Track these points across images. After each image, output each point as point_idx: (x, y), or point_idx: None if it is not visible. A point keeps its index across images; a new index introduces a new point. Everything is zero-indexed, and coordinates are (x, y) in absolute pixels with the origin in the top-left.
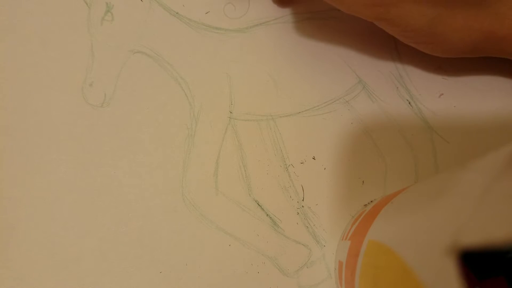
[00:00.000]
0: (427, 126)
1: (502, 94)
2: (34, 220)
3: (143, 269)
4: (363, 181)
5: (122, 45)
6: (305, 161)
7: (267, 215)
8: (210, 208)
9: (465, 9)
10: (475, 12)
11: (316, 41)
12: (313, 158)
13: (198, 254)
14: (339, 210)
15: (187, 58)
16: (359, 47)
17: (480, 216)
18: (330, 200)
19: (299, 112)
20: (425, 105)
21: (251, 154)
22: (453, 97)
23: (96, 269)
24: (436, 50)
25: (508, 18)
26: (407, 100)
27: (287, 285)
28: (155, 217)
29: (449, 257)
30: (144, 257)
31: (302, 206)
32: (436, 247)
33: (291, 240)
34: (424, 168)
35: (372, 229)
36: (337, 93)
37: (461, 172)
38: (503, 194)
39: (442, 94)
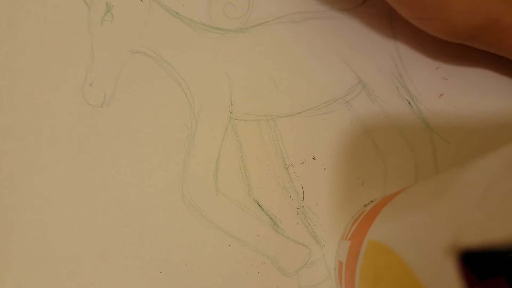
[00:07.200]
0: (427, 126)
1: (502, 94)
2: (34, 220)
3: (143, 269)
4: (363, 181)
5: (122, 45)
6: (305, 161)
7: (267, 215)
8: (210, 208)
9: None
10: None
11: (316, 41)
12: (313, 158)
13: (198, 254)
14: (339, 210)
15: (187, 58)
16: (359, 47)
17: (480, 216)
18: (330, 200)
19: (299, 112)
20: (425, 105)
21: (251, 154)
22: (453, 97)
23: (96, 269)
24: (438, 30)
25: None
26: (407, 100)
27: (287, 285)
28: (155, 217)
29: (449, 257)
30: (144, 257)
31: (302, 206)
32: (436, 247)
33: (291, 240)
34: (424, 168)
35: (372, 229)
36: (337, 93)
37: (461, 172)
38: (503, 194)
39: (442, 94)
